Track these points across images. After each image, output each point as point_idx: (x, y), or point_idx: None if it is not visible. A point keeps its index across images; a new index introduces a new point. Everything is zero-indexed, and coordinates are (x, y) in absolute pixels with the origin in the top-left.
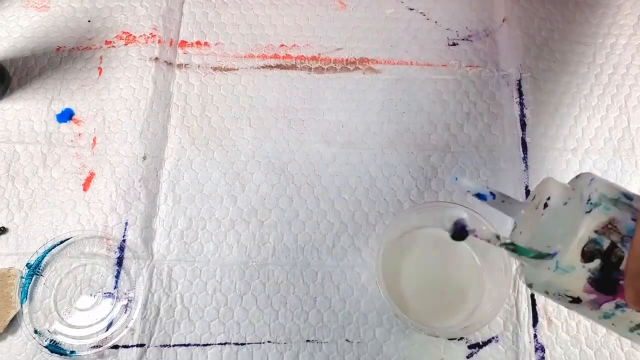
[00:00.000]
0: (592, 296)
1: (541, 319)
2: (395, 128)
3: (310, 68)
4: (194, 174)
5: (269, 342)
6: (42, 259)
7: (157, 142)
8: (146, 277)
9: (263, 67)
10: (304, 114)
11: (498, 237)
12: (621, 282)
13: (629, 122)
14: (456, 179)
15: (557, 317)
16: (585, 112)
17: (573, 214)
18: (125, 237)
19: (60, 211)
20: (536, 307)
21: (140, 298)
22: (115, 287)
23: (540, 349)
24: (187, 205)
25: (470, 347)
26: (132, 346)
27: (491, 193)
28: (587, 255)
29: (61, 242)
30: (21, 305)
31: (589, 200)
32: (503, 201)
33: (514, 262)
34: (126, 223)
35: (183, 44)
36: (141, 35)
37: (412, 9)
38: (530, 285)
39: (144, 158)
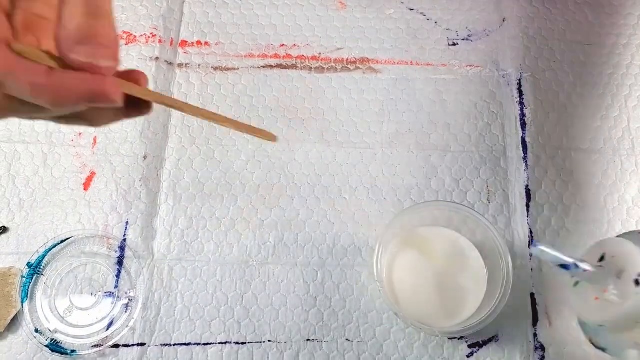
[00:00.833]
0: None
1: (541, 319)
2: (395, 128)
3: (311, 68)
4: (194, 174)
5: (269, 341)
6: (43, 258)
7: (157, 142)
8: (147, 276)
9: (263, 67)
10: (304, 113)
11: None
12: None
13: (629, 121)
14: (538, 247)
15: (557, 317)
16: (586, 111)
17: None
18: (126, 237)
19: (61, 210)
20: (536, 306)
21: (140, 297)
22: (115, 287)
23: (540, 348)
24: (188, 205)
25: (470, 346)
26: (133, 345)
27: (575, 265)
28: None
29: (62, 242)
30: (22, 305)
31: None
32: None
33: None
34: (127, 222)
35: (183, 43)
36: (142, 35)
37: (412, 9)
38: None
39: (145, 157)
